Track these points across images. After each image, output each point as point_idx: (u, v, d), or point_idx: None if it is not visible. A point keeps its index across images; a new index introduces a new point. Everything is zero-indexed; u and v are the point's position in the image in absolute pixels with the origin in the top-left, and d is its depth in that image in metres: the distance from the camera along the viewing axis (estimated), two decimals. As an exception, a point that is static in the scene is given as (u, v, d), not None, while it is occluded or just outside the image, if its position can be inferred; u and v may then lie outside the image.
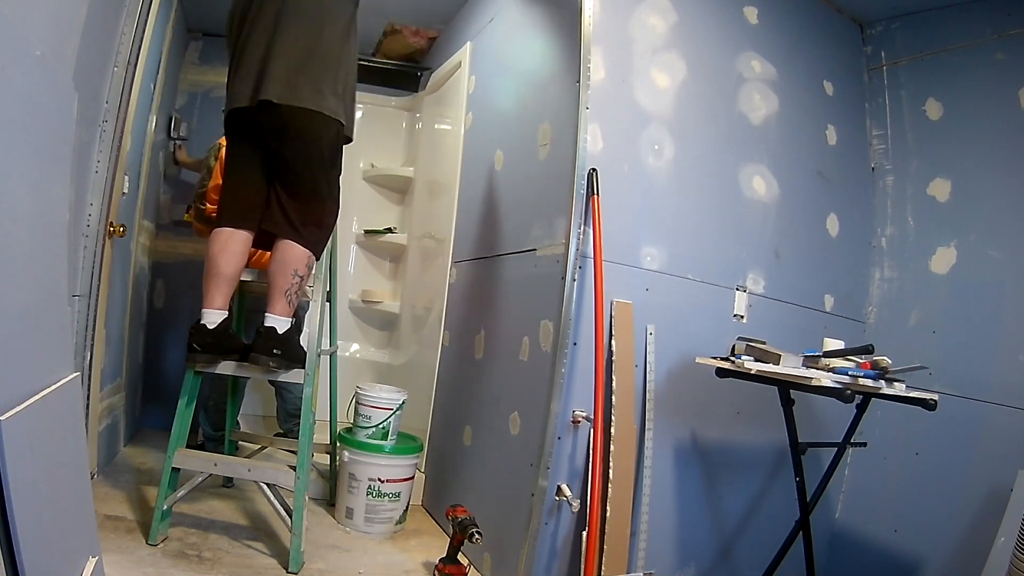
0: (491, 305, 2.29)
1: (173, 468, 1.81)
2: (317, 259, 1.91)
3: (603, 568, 1.77)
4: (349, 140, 1.91)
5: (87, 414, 1.93)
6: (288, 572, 1.76)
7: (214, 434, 2.55)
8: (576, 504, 1.80)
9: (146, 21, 1.88)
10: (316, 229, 1.86)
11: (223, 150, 2.38)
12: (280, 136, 1.78)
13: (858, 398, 1.76)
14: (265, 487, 1.85)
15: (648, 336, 1.99)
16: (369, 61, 3.54)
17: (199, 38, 3.47)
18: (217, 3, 3.07)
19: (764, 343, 1.93)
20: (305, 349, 1.88)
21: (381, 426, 2.21)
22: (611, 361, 1.87)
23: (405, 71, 3.60)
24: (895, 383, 1.73)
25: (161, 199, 3.30)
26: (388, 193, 3.72)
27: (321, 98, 1.78)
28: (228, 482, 2.43)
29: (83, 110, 1.36)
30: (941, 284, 2.33)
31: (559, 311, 1.79)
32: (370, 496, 2.17)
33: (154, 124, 2.83)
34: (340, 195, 1.95)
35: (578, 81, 1.85)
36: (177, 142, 3.24)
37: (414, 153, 3.58)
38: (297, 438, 1.86)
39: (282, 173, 1.82)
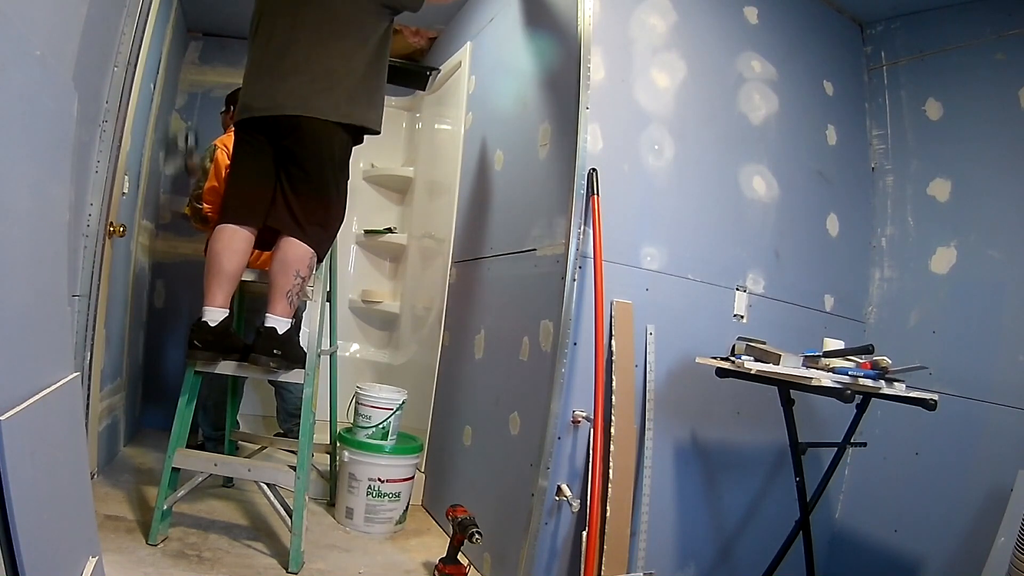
0: (491, 305, 2.29)
1: (173, 468, 1.81)
2: (320, 260, 1.91)
3: (603, 568, 1.77)
4: (377, 132, 1.97)
5: (87, 414, 1.93)
6: (288, 572, 1.76)
7: (214, 434, 2.55)
8: (576, 504, 1.79)
9: (146, 21, 1.88)
10: (320, 229, 1.86)
11: (219, 151, 2.38)
12: (293, 134, 1.79)
13: (858, 398, 1.76)
14: (265, 487, 1.86)
15: (648, 336, 1.99)
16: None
17: (199, 38, 3.47)
18: (217, 3, 3.08)
19: (764, 343, 1.93)
20: (305, 349, 1.88)
21: (381, 426, 2.21)
22: (611, 361, 1.87)
23: (414, 71, 3.57)
24: (895, 383, 1.73)
25: (161, 199, 3.30)
26: (388, 193, 3.72)
27: (339, 106, 1.80)
28: (228, 482, 2.43)
29: (83, 110, 1.36)
30: (941, 284, 2.33)
31: (559, 311, 1.79)
32: (370, 496, 2.17)
33: (154, 124, 2.83)
34: (347, 199, 1.95)
35: (578, 81, 1.85)
36: (190, 150, 3.24)
37: (414, 153, 3.58)
38: (297, 438, 1.86)
39: (291, 170, 1.83)
